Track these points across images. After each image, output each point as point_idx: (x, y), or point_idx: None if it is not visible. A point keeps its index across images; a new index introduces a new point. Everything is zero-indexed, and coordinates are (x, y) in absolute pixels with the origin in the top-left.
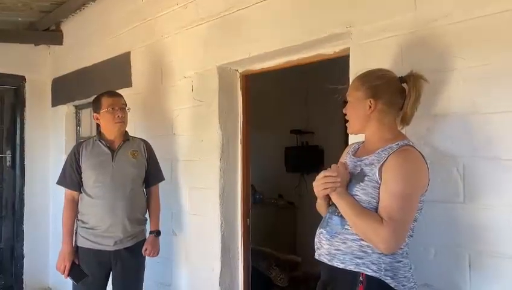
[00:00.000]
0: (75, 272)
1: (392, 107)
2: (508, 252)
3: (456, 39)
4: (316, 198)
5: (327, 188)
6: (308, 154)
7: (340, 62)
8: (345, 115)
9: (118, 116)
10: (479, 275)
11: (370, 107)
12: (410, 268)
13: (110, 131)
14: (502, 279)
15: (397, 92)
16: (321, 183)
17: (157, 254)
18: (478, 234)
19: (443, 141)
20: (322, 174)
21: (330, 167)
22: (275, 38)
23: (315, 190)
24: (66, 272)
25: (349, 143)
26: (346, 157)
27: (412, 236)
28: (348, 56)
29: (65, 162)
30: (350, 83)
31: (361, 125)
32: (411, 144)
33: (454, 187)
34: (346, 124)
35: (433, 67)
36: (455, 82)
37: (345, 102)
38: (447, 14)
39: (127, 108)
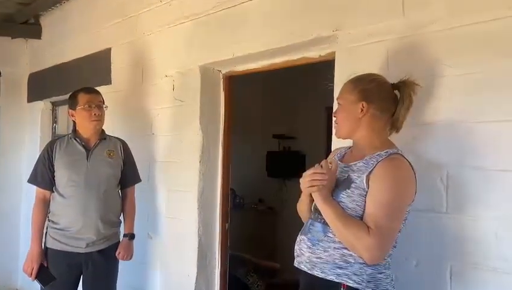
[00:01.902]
0: (42, 274)
1: (383, 112)
2: (490, 264)
3: (444, 46)
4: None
5: (314, 186)
6: (290, 160)
7: (326, 67)
8: (335, 118)
9: (95, 114)
10: (460, 287)
11: (362, 110)
12: (392, 280)
13: (85, 129)
14: None
15: (390, 98)
16: (308, 181)
17: (131, 258)
18: (460, 245)
19: (428, 149)
20: (311, 170)
21: (320, 164)
22: (260, 39)
23: (301, 186)
24: (34, 275)
25: (333, 148)
26: None
27: (395, 247)
28: (333, 60)
29: (37, 160)
30: (342, 86)
31: (351, 130)
32: (400, 152)
33: (437, 197)
34: (334, 128)
35: (420, 75)
36: (442, 90)
37: (329, 108)
38: (435, 20)
39: (104, 106)
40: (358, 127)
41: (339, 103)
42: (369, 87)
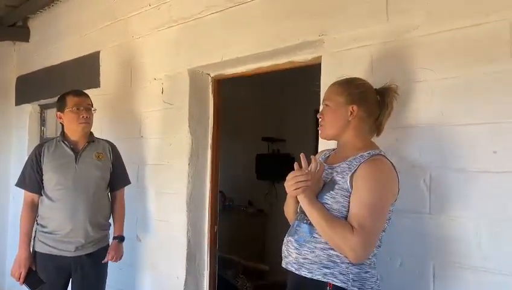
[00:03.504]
0: (31, 279)
1: (370, 116)
2: (472, 263)
3: (426, 51)
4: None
5: (299, 188)
6: (280, 162)
7: (313, 70)
8: (319, 119)
9: (83, 117)
10: (443, 285)
11: (351, 113)
12: (377, 279)
13: (73, 131)
14: None
15: (375, 102)
16: (292, 183)
17: (120, 259)
18: (443, 245)
19: (411, 151)
20: (291, 174)
21: (301, 163)
22: (248, 43)
23: (287, 189)
24: (22, 279)
25: (319, 151)
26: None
27: (380, 246)
28: (320, 64)
29: (25, 163)
30: (328, 88)
31: (338, 131)
32: (382, 153)
33: (420, 198)
34: (319, 128)
35: (403, 79)
36: (424, 94)
37: (317, 111)
38: (417, 26)
39: (93, 109)
40: (345, 129)
41: (326, 105)
42: (358, 91)
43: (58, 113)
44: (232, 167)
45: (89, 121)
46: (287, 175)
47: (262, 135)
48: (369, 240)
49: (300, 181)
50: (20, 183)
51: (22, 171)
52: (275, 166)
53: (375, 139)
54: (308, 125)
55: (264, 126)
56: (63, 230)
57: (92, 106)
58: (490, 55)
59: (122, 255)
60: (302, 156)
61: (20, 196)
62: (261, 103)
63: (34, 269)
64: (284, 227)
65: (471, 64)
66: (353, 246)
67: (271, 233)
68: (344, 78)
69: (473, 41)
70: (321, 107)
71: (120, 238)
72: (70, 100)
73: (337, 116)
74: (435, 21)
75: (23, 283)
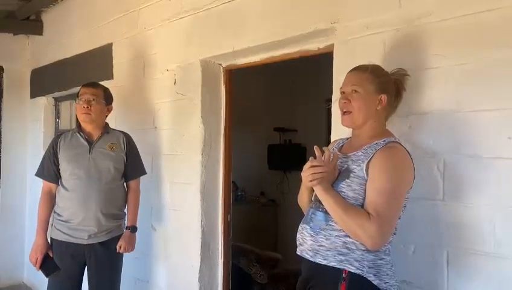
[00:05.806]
0: (46, 264)
1: (391, 104)
2: (485, 249)
3: (439, 37)
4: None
5: (315, 179)
6: (291, 152)
7: (324, 59)
8: (344, 103)
9: (83, 107)
10: (457, 272)
11: (379, 102)
12: (392, 265)
13: (81, 122)
14: (479, 276)
15: (395, 90)
16: (309, 175)
17: (132, 250)
18: (456, 232)
19: (424, 138)
20: (308, 164)
21: (316, 155)
22: (259, 32)
23: (304, 180)
24: (38, 264)
25: (332, 140)
26: None
27: (395, 233)
28: (331, 53)
29: (44, 154)
30: (355, 73)
31: (366, 120)
32: (398, 140)
33: (434, 184)
34: (345, 116)
35: (416, 65)
36: (437, 80)
37: (329, 100)
38: (430, 12)
39: (98, 100)
40: (371, 117)
41: (355, 90)
42: (386, 80)
43: (75, 104)
44: (244, 157)
45: (89, 112)
46: (298, 165)
47: (273, 125)
48: (387, 228)
49: (316, 173)
50: (39, 173)
51: (41, 161)
52: (286, 156)
53: (390, 126)
54: (320, 115)
55: (276, 116)
56: (76, 218)
57: (98, 98)
58: (504, 40)
59: (134, 246)
60: (316, 148)
61: (36, 188)
62: (272, 93)
63: (51, 255)
64: (296, 216)
65: (485, 50)
66: (371, 234)
67: (283, 223)
68: (368, 64)
69: (487, 27)
70: (337, 93)
71: (132, 229)
72: (80, 91)
73: (368, 104)
74: (448, 7)
75: (39, 268)
